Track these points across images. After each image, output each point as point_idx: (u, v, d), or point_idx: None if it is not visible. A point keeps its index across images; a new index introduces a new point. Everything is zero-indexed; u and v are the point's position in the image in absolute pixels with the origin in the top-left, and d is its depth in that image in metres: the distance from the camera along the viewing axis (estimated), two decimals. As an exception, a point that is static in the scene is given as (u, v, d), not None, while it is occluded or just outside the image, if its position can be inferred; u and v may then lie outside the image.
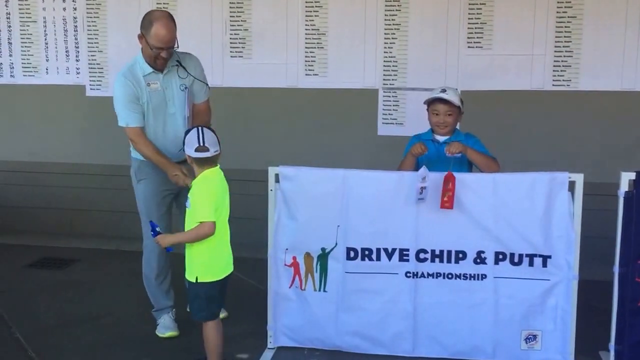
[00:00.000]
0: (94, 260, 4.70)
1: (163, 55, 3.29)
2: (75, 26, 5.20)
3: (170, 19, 3.35)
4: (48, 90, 5.26)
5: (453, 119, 3.32)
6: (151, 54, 3.30)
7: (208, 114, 3.60)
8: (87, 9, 5.15)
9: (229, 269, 3.04)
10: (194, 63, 3.50)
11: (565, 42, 4.55)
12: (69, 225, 4.78)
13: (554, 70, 4.59)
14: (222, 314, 3.27)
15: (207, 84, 3.56)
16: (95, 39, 5.17)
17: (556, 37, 4.55)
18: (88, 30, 4.89)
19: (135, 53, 5.03)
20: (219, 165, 2.96)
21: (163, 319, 3.57)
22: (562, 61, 4.57)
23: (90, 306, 3.92)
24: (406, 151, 3.37)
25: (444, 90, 3.32)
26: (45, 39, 5.26)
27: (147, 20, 3.30)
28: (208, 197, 2.85)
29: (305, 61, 4.89)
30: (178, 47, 3.35)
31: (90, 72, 5.22)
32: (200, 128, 2.87)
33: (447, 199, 2.96)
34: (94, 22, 5.15)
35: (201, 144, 2.82)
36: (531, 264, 3.03)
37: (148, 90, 3.36)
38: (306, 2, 4.81)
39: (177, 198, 3.55)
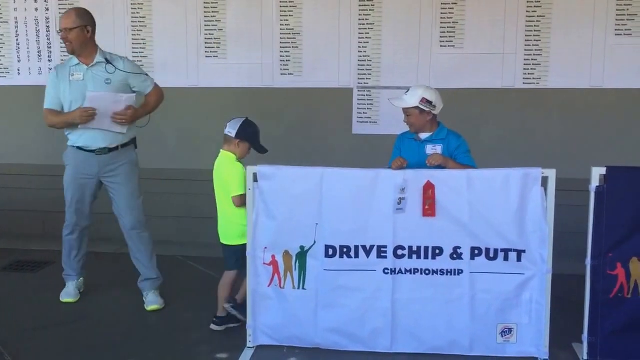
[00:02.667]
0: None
1: (62, 36, 3.72)
2: (48, 26, 5.13)
3: (73, 9, 3.90)
4: (20, 92, 5.16)
5: (414, 119, 3.37)
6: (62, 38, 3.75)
7: (157, 100, 3.94)
8: (60, 9, 5.06)
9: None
10: (124, 61, 3.83)
11: (535, 41, 4.64)
12: (42, 228, 4.70)
13: (524, 69, 4.68)
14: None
15: (146, 75, 3.89)
16: (67, 39, 5.10)
17: (526, 36, 4.64)
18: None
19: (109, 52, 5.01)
20: (225, 147, 3.56)
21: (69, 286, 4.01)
22: (532, 60, 4.66)
23: (66, 309, 3.87)
24: (395, 151, 3.46)
25: (407, 90, 3.42)
26: (17, 40, 5.17)
27: None
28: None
29: (281, 61, 4.90)
30: (88, 33, 3.74)
31: (62, 73, 5.15)
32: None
33: (429, 207, 3.02)
34: (66, 22, 5.09)
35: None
36: (506, 258, 3.09)
37: (70, 79, 3.72)
38: (280, 2, 4.83)
39: (101, 183, 3.91)
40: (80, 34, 3.68)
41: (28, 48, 5.16)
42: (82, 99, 3.67)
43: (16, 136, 5.25)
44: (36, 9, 5.12)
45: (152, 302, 3.86)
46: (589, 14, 4.56)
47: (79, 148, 3.79)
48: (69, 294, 3.98)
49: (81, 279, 4.10)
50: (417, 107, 3.34)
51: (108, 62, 3.74)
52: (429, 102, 3.35)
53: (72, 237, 3.99)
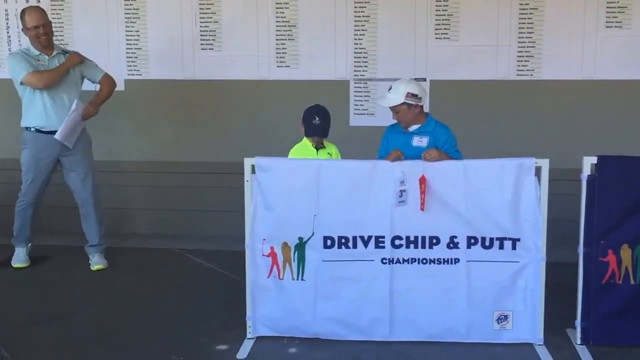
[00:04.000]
0: (64, 257, 4.64)
1: (41, 31, 4.15)
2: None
3: (38, 6, 4.48)
4: (11, 84, 5.15)
5: (403, 115, 3.40)
6: (34, 34, 4.15)
7: (109, 87, 4.39)
8: (51, 1, 5.04)
9: None
10: (77, 54, 4.34)
11: (528, 33, 4.69)
12: (37, 223, 4.70)
13: (518, 61, 4.73)
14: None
15: (95, 64, 4.38)
16: (61, 31, 5.07)
17: (519, 28, 4.69)
18: (53, 22, 4.78)
19: (102, 45, 5.02)
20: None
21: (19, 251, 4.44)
22: (525, 51, 4.71)
23: (62, 304, 3.86)
24: (382, 139, 3.48)
25: (390, 88, 3.42)
26: (8, 32, 5.14)
27: (21, 16, 4.24)
28: None
29: (277, 53, 4.91)
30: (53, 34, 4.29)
31: (57, 66, 5.14)
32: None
33: (421, 202, 3.08)
34: (59, 14, 5.06)
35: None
36: (501, 247, 3.14)
37: (36, 64, 4.18)
38: (276, -6, 4.85)
39: (59, 162, 4.32)
40: (51, 27, 4.25)
41: (19, 41, 5.10)
42: None
43: (11, 130, 5.24)
44: (27, 1, 5.06)
45: (97, 262, 4.40)
46: (580, 6, 4.61)
47: (38, 131, 4.19)
48: (19, 260, 4.42)
49: (29, 244, 4.50)
50: (403, 103, 3.36)
51: (64, 53, 4.30)
52: (414, 96, 3.36)
53: (27, 213, 4.39)
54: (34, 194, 4.32)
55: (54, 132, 4.14)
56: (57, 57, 4.25)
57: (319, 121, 3.41)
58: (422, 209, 3.09)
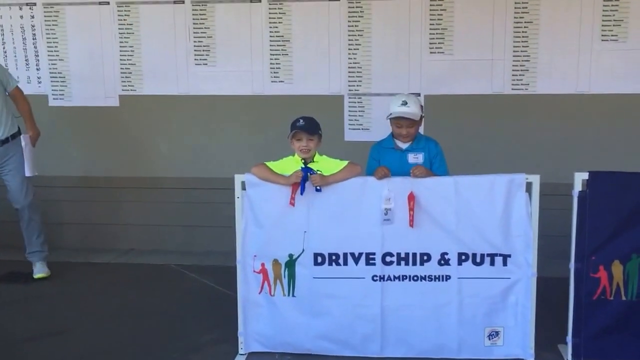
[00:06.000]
0: (62, 273, 4.64)
1: None
2: (34, 34, 5.13)
3: None
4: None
5: (415, 129, 3.41)
6: None
7: (27, 107, 4.48)
8: (45, 16, 5.08)
9: None
10: None
11: (522, 47, 4.69)
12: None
13: (512, 75, 4.73)
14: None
15: (8, 71, 4.51)
16: (56, 47, 5.12)
17: (514, 42, 4.69)
18: (47, 38, 4.84)
19: (96, 61, 5.04)
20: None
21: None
22: (520, 65, 4.71)
23: (58, 319, 3.87)
24: (369, 160, 3.45)
25: (404, 103, 3.36)
26: (4, 48, 5.18)
27: None
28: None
29: (271, 68, 4.93)
30: None
31: (52, 82, 5.17)
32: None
33: (410, 218, 3.07)
34: (53, 30, 5.10)
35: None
36: (492, 263, 3.13)
37: None
38: (270, 9, 4.87)
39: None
40: None
41: (15, 56, 5.16)
42: None
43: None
44: (21, 17, 5.11)
45: (39, 271, 4.49)
46: (575, 19, 4.61)
47: None
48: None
49: None
50: (421, 117, 3.38)
51: None
52: (422, 108, 3.40)
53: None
54: None
55: None
56: None
57: (302, 122, 3.26)
58: (411, 225, 3.08)
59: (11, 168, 4.39)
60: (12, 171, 4.39)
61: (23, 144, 4.38)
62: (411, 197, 3.07)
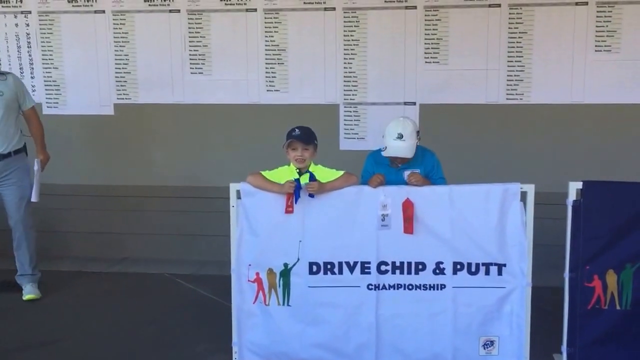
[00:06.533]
0: (54, 282, 4.61)
1: None
2: (29, 42, 5.12)
3: None
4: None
5: (409, 158, 3.32)
6: None
7: (40, 129, 4.42)
8: (40, 24, 5.08)
9: None
10: (14, 77, 4.34)
11: (517, 57, 4.71)
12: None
13: (507, 84, 4.75)
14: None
15: (28, 91, 4.42)
16: (50, 55, 5.11)
17: (509, 52, 4.71)
18: (42, 46, 4.83)
19: (92, 69, 5.05)
20: None
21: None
22: (514, 75, 4.73)
23: (52, 329, 3.85)
24: (363, 171, 3.43)
25: (400, 136, 3.21)
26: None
27: None
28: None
29: (266, 77, 4.94)
30: None
31: (46, 90, 5.15)
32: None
33: (408, 225, 3.07)
34: (48, 38, 5.09)
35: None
36: (487, 272, 3.13)
37: None
38: (265, 18, 4.88)
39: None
40: None
41: (9, 64, 5.13)
42: None
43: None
44: (16, 25, 5.10)
45: (29, 292, 4.33)
46: (569, 30, 4.63)
47: None
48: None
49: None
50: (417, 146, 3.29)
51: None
52: (418, 133, 3.33)
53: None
54: None
55: None
56: None
57: (298, 132, 3.25)
58: (411, 232, 3.07)
59: (11, 183, 4.27)
60: (12, 186, 4.27)
61: (35, 168, 4.28)
62: (408, 205, 3.06)
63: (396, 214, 3.11)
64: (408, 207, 3.06)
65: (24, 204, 4.32)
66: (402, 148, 3.25)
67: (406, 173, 3.32)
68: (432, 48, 4.77)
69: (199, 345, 3.56)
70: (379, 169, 3.37)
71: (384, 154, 3.33)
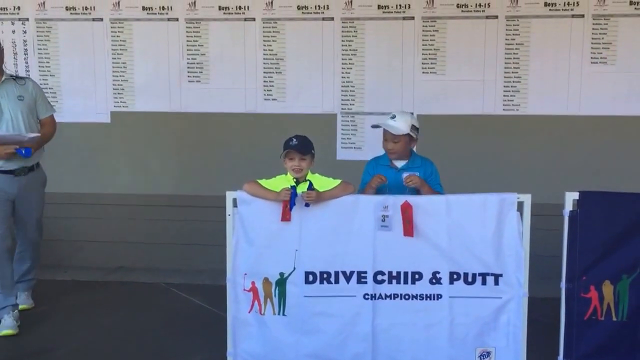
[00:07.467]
0: (48, 290, 4.58)
1: None
2: (26, 49, 5.12)
3: None
4: None
5: (400, 146, 3.40)
6: None
7: (52, 132, 4.15)
8: (37, 32, 5.08)
9: None
10: (33, 83, 4.12)
11: (514, 68, 4.74)
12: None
13: (504, 95, 4.77)
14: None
15: (48, 103, 4.19)
16: (47, 62, 5.11)
17: (505, 63, 4.74)
18: (39, 53, 4.82)
19: (89, 77, 5.05)
20: None
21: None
22: (511, 86, 4.76)
23: (44, 338, 3.81)
24: (364, 175, 3.45)
25: (393, 117, 3.41)
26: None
27: None
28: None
29: (264, 86, 4.95)
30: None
31: (42, 97, 5.15)
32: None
33: (408, 227, 3.06)
34: (45, 45, 5.09)
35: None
36: (484, 282, 3.12)
37: None
38: (263, 27, 4.90)
39: (14, 203, 3.99)
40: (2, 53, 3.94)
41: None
42: None
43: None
44: (13, 31, 5.10)
45: (23, 302, 4.16)
46: (565, 42, 4.67)
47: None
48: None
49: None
50: (408, 134, 3.36)
51: (15, 78, 4.03)
52: (417, 129, 3.38)
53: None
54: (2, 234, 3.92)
55: (12, 172, 3.90)
56: (7, 82, 3.95)
57: (295, 141, 3.24)
58: (411, 234, 3.06)
59: (32, 201, 4.03)
60: (32, 202, 4.04)
61: (31, 136, 3.89)
62: (407, 207, 3.05)
63: (397, 217, 3.08)
64: (407, 209, 3.04)
65: (40, 219, 4.15)
66: (392, 125, 3.36)
67: (404, 175, 3.34)
68: (429, 58, 4.80)
69: (195, 355, 3.54)
70: (379, 170, 3.42)
71: (372, 125, 3.54)
